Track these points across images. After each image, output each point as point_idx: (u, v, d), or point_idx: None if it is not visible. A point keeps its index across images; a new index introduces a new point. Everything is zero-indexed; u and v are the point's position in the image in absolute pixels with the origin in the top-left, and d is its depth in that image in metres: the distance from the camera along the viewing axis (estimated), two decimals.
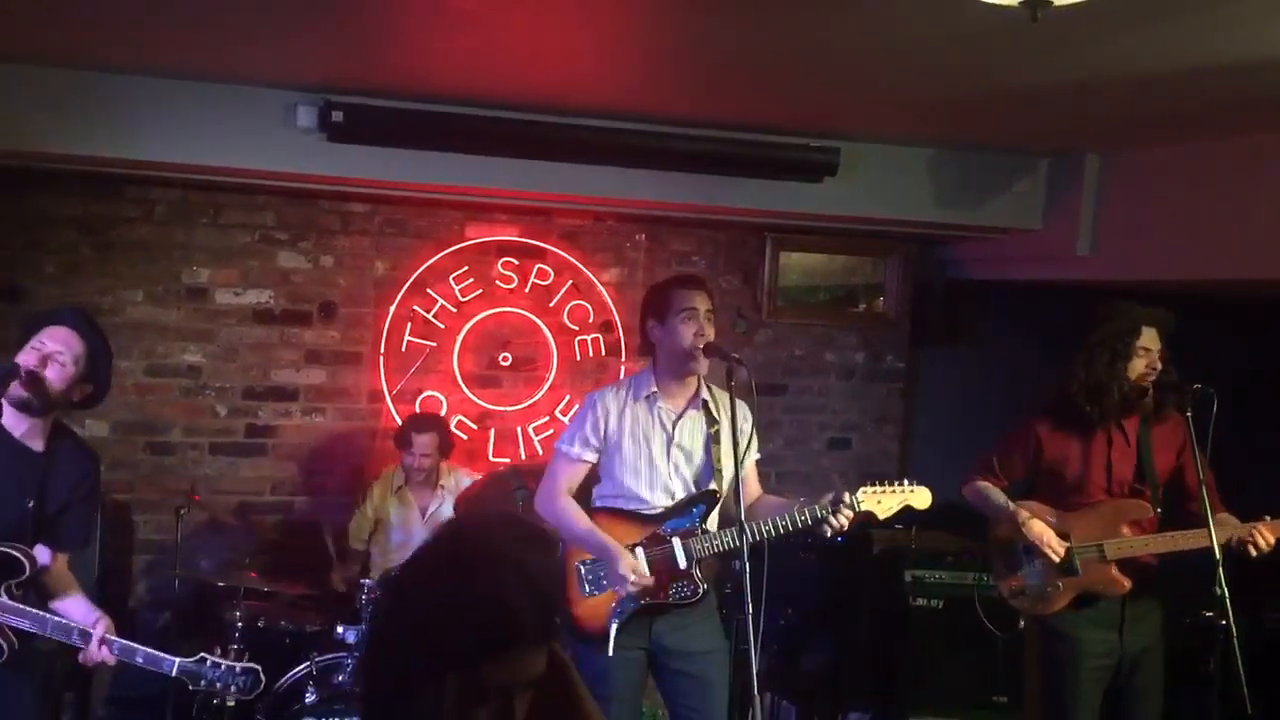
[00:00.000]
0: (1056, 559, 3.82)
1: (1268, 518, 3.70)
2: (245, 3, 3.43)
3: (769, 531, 3.50)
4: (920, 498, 3.57)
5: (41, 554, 3.34)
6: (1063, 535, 3.86)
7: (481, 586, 1.49)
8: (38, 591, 3.36)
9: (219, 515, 5.36)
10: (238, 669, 3.33)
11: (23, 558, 3.24)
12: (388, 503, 5.19)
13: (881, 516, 3.54)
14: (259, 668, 3.37)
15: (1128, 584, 3.82)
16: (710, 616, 3.61)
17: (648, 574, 3.54)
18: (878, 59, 3.71)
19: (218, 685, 3.33)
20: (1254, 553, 3.68)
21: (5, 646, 3.27)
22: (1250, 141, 4.39)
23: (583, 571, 3.64)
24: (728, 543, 3.52)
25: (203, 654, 3.33)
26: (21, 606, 3.25)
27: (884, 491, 3.52)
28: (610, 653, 3.54)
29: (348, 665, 4.44)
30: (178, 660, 3.29)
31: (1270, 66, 3.44)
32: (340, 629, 4.52)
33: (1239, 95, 3.83)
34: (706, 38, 3.55)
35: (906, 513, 3.61)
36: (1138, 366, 3.82)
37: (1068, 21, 2.88)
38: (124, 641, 3.28)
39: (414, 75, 4.30)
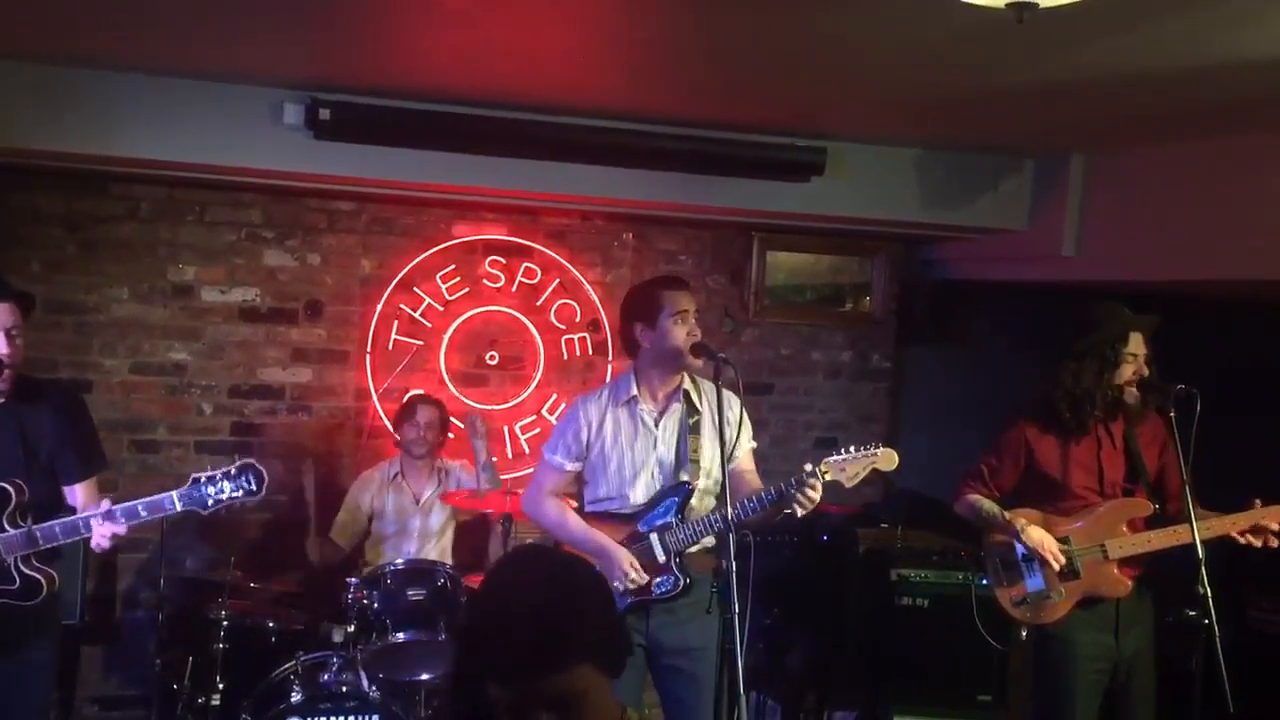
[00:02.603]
0: (1057, 566, 3.83)
1: (1258, 502, 3.74)
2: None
3: (738, 514, 3.42)
4: (885, 459, 3.45)
5: (68, 493, 3.49)
6: (1061, 540, 3.87)
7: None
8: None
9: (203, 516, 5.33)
10: (233, 471, 3.34)
11: (8, 486, 3.30)
12: (385, 493, 5.20)
13: (848, 484, 3.45)
14: (253, 461, 3.37)
15: (1130, 583, 3.84)
16: (703, 612, 3.61)
17: (643, 572, 3.55)
18: (865, 60, 3.72)
19: (224, 498, 3.32)
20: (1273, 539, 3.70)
21: (44, 582, 3.37)
22: (1235, 142, 4.41)
23: None
24: (701, 531, 3.53)
25: (194, 475, 3.34)
26: (27, 529, 3.31)
27: (848, 459, 3.43)
28: None
29: (334, 664, 4.43)
30: (175, 494, 3.31)
31: (1254, 68, 3.46)
32: (326, 627, 4.50)
33: (1223, 96, 3.86)
34: (693, 37, 3.56)
35: (874, 477, 3.51)
36: (1125, 373, 3.85)
37: (1053, 23, 2.89)
38: (122, 505, 3.31)
39: (401, 73, 4.30)
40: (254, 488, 3.35)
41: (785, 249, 6.24)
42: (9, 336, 3.33)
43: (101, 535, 3.29)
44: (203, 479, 3.33)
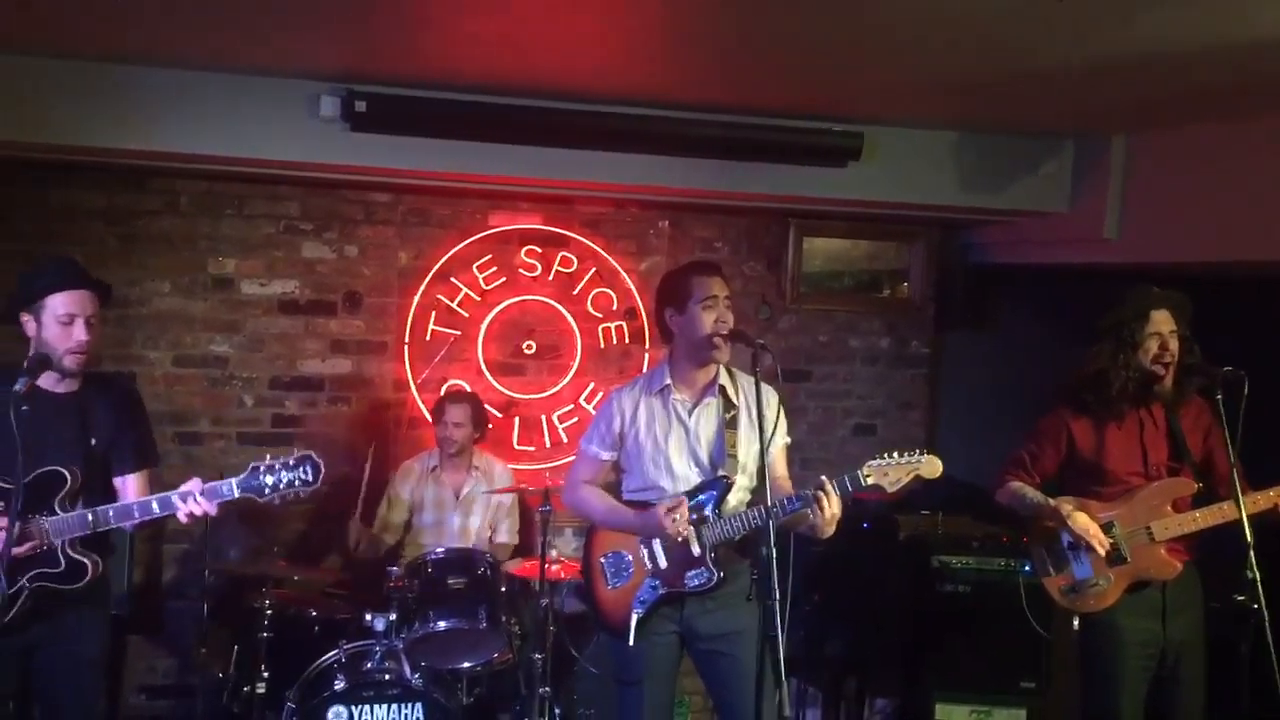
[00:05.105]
0: (1103, 551, 3.79)
1: None
2: None
3: (757, 520, 3.41)
4: (929, 467, 3.37)
5: (119, 483, 3.58)
6: (1106, 525, 3.84)
7: None
8: None
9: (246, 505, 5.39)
10: (291, 461, 3.40)
11: (64, 470, 3.39)
12: (424, 485, 5.23)
13: (890, 489, 3.39)
14: (311, 453, 3.42)
15: (1179, 565, 3.80)
16: (740, 599, 3.60)
17: (686, 512, 3.49)
18: (902, 41, 3.68)
19: (282, 486, 3.39)
20: None
21: (89, 565, 3.44)
22: (1278, 121, 4.34)
23: (604, 565, 3.72)
24: (738, 528, 3.51)
25: (254, 463, 3.41)
26: (77, 512, 3.39)
27: (890, 464, 3.37)
28: (632, 641, 3.58)
29: (376, 652, 4.47)
30: (234, 480, 3.39)
31: None
32: (368, 616, 4.54)
33: (1266, 74, 3.79)
34: (729, 22, 3.54)
35: (916, 483, 3.42)
36: (1150, 350, 3.80)
37: (1094, 2, 2.85)
38: (180, 490, 3.38)
39: (436, 64, 4.30)
40: (310, 478, 3.40)
41: (822, 235, 6.21)
42: (89, 324, 3.42)
43: (183, 513, 3.37)
44: (261, 467, 3.40)
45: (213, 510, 3.37)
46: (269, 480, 3.38)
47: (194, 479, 3.40)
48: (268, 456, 3.42)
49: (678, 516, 3.47)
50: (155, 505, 3.38)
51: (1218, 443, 3.81)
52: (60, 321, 3.38)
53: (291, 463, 3.40)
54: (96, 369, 3.63)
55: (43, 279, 3.44)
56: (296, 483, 3.39)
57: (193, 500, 3.35)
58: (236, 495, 3.38)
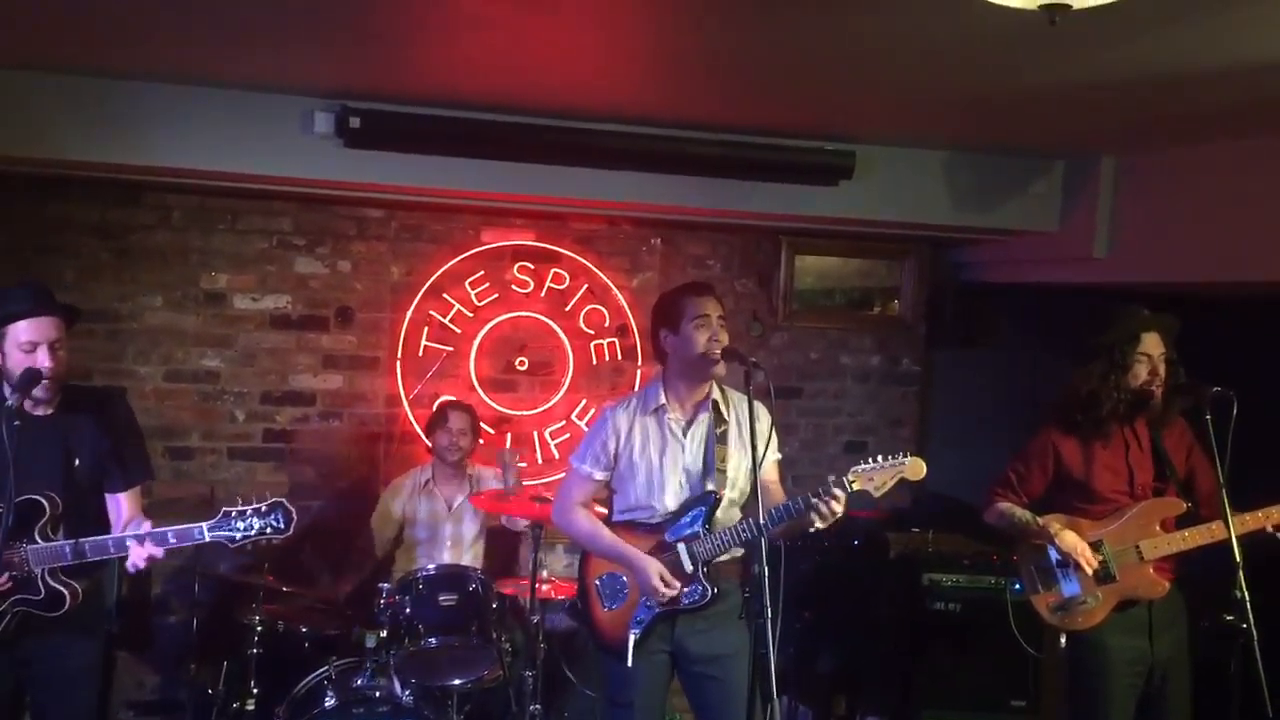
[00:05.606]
0: (1090, 570, 3.81)
1: None
2: (262, 9, 3.45)
3: (746, 533, 3.44)
4: (913, 468, 3.38)
5: (111, 501, 3.56)
6: (1094, 544, 3.85)
7: None
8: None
9: None
10: (263, 509, 3.39)
11: (42, 499, 3.36)
12: (416, 499, 5.23)
13: (877, 494, 3.40)
14: (283, 500, 3.42)
15: (1167, 584, 3.82)
16: (732, 618, 3.61)
17: (675, 581, 3.53)
18: (894, 62, 3.71)
19: (253, 533, 3.38)
20: None
21: (68, 596, 3.42)
22: (1267, 143, 4.37)
23: (599, 586, 3.71)
24: (729, 541, 3.52)
25: (225, 509, 3.40)
26: (57, 543, 3.37)
27: (875, 469, 3.39)
28: (630, 662, 3.58)
29: (367, 669, 4.45)
30: (205, 525, 3.38)
31: None
32: (358, 632, 4.53)
33: (1256, 97, 3.82)
34: (721, 41, 3.56)
35: (902, 485, 3.43)
36: (1140, 374, 3.83)
37: (1085, 24, 2.87)
38: (151, 531, 3.38)
39: (431, 81, 4.32)
40: (282, 526, 3.40)
41: (814, 253, 6.23)
42: (52, 350, 3.37)
43: (139, 556, 3.36)
44: (233, 513, 3.39)
45: (159, 554, 3.36)
46: (240, 526, 3.38)
47: (146, 522, 3.41)
48: (239, 501, 3.42)
49: (664, 589, 3.51)
50: (110, 545, 3.38)
51: (1199, 462, 3.87)
52: (23, 350, 3.34)
53: (264, 510, 3.39)
54: (84, 384, 3.61)
55: (3, 307, 3.39)
56: (268, 530, 3.38)
57: (149, 543, 3.34)
58: (207, 539, 3.38)
